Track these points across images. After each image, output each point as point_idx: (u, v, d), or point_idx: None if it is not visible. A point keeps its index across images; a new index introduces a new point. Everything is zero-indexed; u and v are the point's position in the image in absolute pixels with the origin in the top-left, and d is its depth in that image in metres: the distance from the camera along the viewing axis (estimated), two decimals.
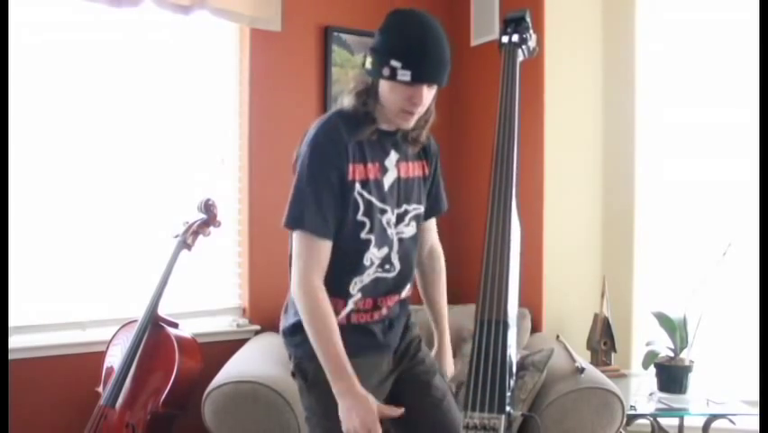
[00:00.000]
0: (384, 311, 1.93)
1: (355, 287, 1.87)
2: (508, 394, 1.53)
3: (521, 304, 1.78)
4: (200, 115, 3.18)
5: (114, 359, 2.68)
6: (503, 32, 1.77)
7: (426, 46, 1.74)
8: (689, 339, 2.92)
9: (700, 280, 2.96)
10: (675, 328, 2.94)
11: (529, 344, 3.05)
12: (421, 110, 1.82)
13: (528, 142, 3.17)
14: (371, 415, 1.74)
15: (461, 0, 3.62)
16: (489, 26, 3.45)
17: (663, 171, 3.39)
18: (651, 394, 2.88)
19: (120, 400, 2.59)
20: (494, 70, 1.75)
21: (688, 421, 2.94)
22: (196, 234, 2.86)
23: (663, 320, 2.96)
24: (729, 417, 2.76)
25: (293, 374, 1.94)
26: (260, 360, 2.66)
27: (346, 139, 1.80)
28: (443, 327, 2.16)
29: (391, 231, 1.89)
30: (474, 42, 3.57)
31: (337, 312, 1.86)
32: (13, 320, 2.65)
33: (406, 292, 1.99)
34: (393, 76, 1.74)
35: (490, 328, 1.55)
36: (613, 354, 3.15)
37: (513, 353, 1.57)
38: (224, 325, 3.20)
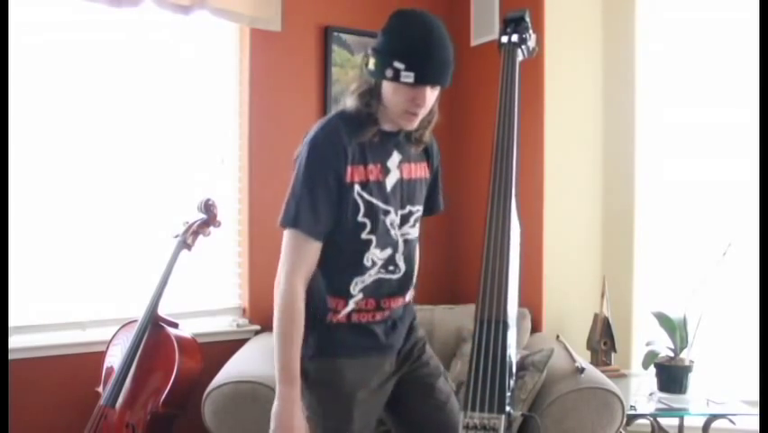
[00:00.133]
0: (387, 312, 1.93)
1: (356, 287, 1.87)
2: (508, 394, 1.53)
3: (521, 304, 1.79)
4: (200, 115, 3.18)
5: (114, 359, 2.68)
6: (503, 32, 1.78)
7: (430, 47, 1.74)
8: (689, 339, 2.92)
9: (700, 280, 2.96)
10: (675, 328, 2.94)
11: (529, 344, 3.05)
12: (424, 111, 1.82)
13: (528, 142, 3.17)
14: (299, 429, 1.78)
15: (461, 0, 3.62)
16: (489, 26, 3.45)
17: (663, 171, 3.39)
18: (651, 394, 2.88)
19: (120, 400, 2.59)
20: (494, 70, 1.75)
21: (688, 421, 2.94)
22: (196, 234, 2.86)
23: (663, 320, 2.96)
24: (729, 417, 2.76)
25: None
26: (260, 360, 2.66)
27: (345, 141, 1.79)
28: None
29: (395, 232, 1.89)
30: (474, 42, 3.57)
31: (338, 311, 1.87)
32: (13, 320, 2.65)
33: (410, 295, 1.99)
34: (396, 77, 1.74)
35: (490, 328, 1.55)
36: (613, 354, 3.15)
37: (513, 353, 1.57)
38: (224, 325, 3.20)
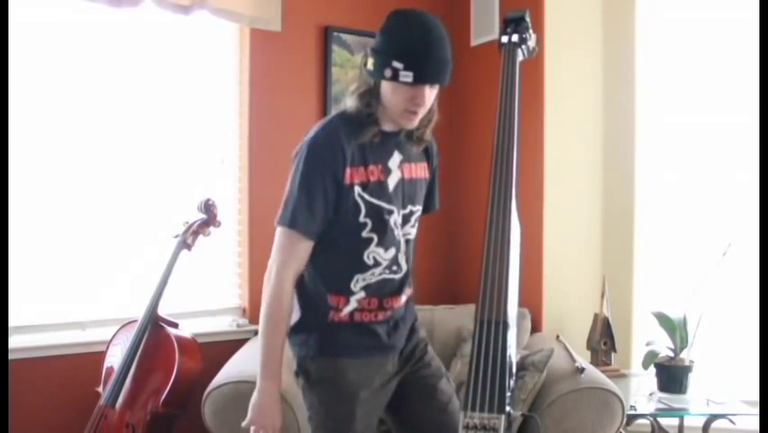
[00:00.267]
0: (389, 312, 1.93)
1: (357, 285, 1.87)
2: (508, 394, 1.53)
3: (521, 304, 1.79)
4: (200, 115, 3.18)
5: (114, 359, 2.68)
6: (503, 32, 1.78)
7: (428, 46, 1.74)
8: (689, 339, 2.92)
9: (700, 280, 2.96)
10: (675, 328, 2.94)
11: (529, 344, 3.05)
12: (424, 110, 1.83)
13: (528, 143, 3.17)
14: (272, 424, 1.84)
15: (461, 0, 3.62)
16: (489, 26, 3.45)
17: (663, 171, 3.39)
18: (651, 394, 2.88)
19: (120, 400, 2.59)
20: (494, 70, 1.75)
21: (688, 421, 2.94)
22: (196, 234, 2.86)
23: (663, 320, 2.96)
24: (729, 417, 2.76)
25: (296, 374, 1.95)
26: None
27: (345, 142, 1.80)
28: None
29: (398, 232, 1.90)
30: (474, 42, 3.57)
31: (339, 309, 1.87)
32: (13, 320, 2.64)
33: (407, 293, 2.00)
34: (395, 77, 1.75)
35: (490, 328, 1.55)
36: (613, 354, 3.15)
37: (513, 353, 1.57)
38: (224, 325, 3.20)
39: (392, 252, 1.88)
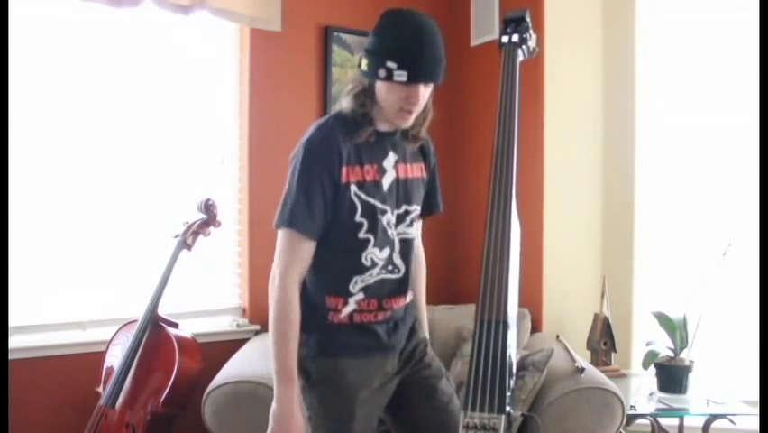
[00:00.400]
0: (389, 312, 1.93)
1: (356, 286, 1.87)
2: (508, 394, 1.53)
3: (521, 304, 1.79)
4: (200, 114, 3.18)
5: (114, 359, 2.68)
6: (503, 32, 1.78)
7: (421, 45, 1.75)
8: (689, 339, 2.92)
9: (700, 280, 2.96)
10: (675, 328, 2.94)
11: (529, 344, 3.05)
12: (418, 108, 1.84)
13: (528, 142, 3.17)
14: (297, 430, 1.79)
15: (461, 0, 3.62)
16: (489, 26, 3.45)
17: (663, 171, 3.39)
18: (651, 394, 2.88)
19: (120, 400, 2.59)
20: (494, 70, 1.75)
21: (688, 421, 2.94)
22: (196, 234, 2.86)
23: (663, 320, 2.96)
24: (729, 417, 2.76)
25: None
26: (260, 360, 2.65)
27: (341, 141, 1.81)
28: (426, 327, 2.17)
29: (392, 231, 1.90)
30: (474, 42, 3.57)
31: (338, 310, 1.87)
32: (13, 320, 2.65)
33: (410, 295, 2.00)
34: (389, 77, 1.76)
35: (490, 328, 1.55)
36: (613, 354, 3.15)
37: (513, 353, 1.57)
38: (224, 325, 3.20)
39: (386, 251, 1.88)
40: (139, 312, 2.72)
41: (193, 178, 3.14)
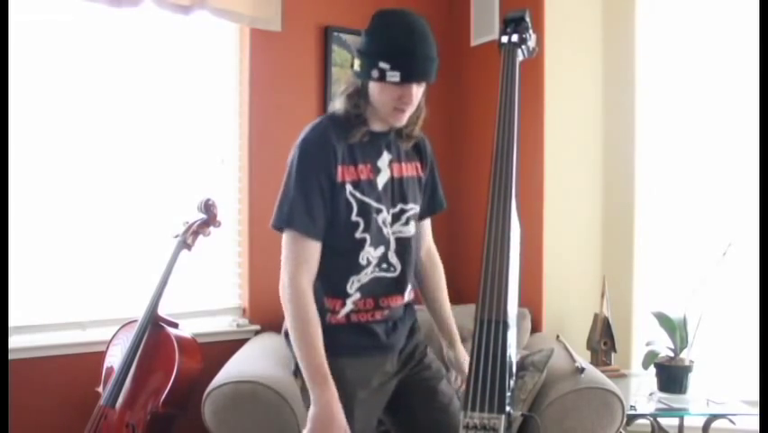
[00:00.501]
0: (387, 312, 1.93)
1: (353, 286, 1.88)
2: (508, 394, 1.53)
3: (521, 304, 1.79)
4: (200, 115, 3.18)
5: (114, 359, 2.68)
6: (503, 32, 1.78)
7: (413, 45, 1.76)
8: (689, 339, 2.92)
9: (700, 280, 2.96)
10: (675, 328, 2.94)
11: (529, 344, 3.05)
12: (412, 107, 1.85)
13: (528, 142, 3.17)
14: (339, 428, 1.74)
15: (461, 0, 3.62)
16: (489, 26, 3.45)
17: (663, 171, 3.39)
18: (651, 394, 2.88)
19: (120, 401, 2.59)
20: (494, 70, 1.75)
21: (688, 421, 2.94)
22: (196, 234, 2.86)
23: (663, 320, 2.96)
24: (729, 417, 2.76)
25: (295, 374, 1.95)
26: (260, 360, 2.66)
27: (335, 142, 1.82)
28: (454, 329, 2.14)
29: (387, 230, 1.90)
30: (474, 42, 3.56)
31: (336, 312, 1.88)
32: (13, 320, 2.64)
33: (408, 294, 1.99)
34: (382, 77, 1.77)
35: (490, 328, 1.55)
36: (613, 354, 3.15)
37: (513, 353, 1.57)
38: (224, 325, 3.20)
39: (381, 250, 1.89)
40: (139, 312, 2.71)
41: (193, 178, 3.14)
